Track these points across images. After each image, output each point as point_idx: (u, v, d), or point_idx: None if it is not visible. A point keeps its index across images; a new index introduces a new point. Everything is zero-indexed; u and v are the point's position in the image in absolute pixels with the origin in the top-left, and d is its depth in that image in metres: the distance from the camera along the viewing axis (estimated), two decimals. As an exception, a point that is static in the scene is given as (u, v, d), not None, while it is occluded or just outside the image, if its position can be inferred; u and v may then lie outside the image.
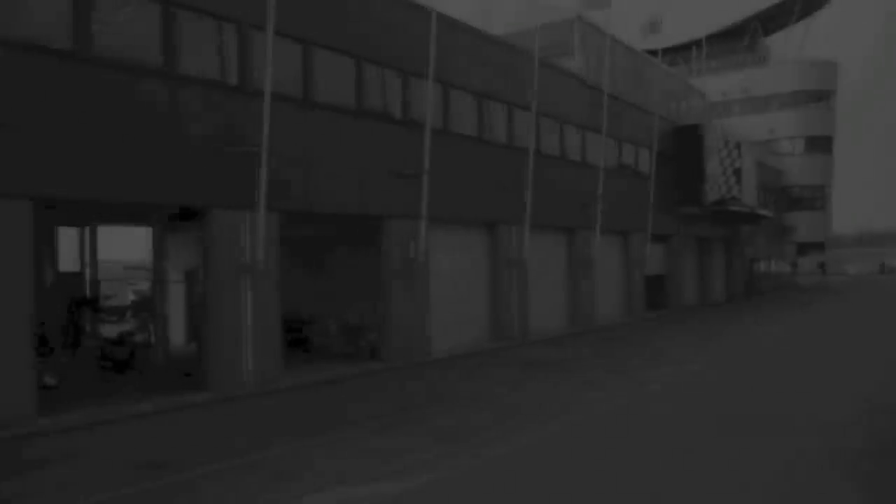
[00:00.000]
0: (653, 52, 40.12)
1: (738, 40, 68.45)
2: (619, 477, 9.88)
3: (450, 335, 22.94)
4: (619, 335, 27.95)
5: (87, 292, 24.02)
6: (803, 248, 65.16)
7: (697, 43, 62.22)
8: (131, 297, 33.19)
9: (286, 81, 17.68)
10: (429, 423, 13.28)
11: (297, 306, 21.11)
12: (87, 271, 24.38)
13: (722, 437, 11.99)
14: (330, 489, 9.49)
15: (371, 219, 20.51)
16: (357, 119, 19.75)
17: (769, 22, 69.81)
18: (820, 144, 63.55)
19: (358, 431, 12.73)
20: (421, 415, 14.07)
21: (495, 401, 15.44)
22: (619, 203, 32.36)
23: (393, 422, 13.45)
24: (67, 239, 26.18)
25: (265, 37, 16.34)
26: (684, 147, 39.41)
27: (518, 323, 25.94)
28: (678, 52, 62.83)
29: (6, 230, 12.90)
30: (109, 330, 23.44)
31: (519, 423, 13.03)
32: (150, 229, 21.74)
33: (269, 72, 16.36)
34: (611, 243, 32.85)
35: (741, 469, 10.12)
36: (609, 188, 31.00)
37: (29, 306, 13.39)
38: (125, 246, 29.72)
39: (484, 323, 25.05)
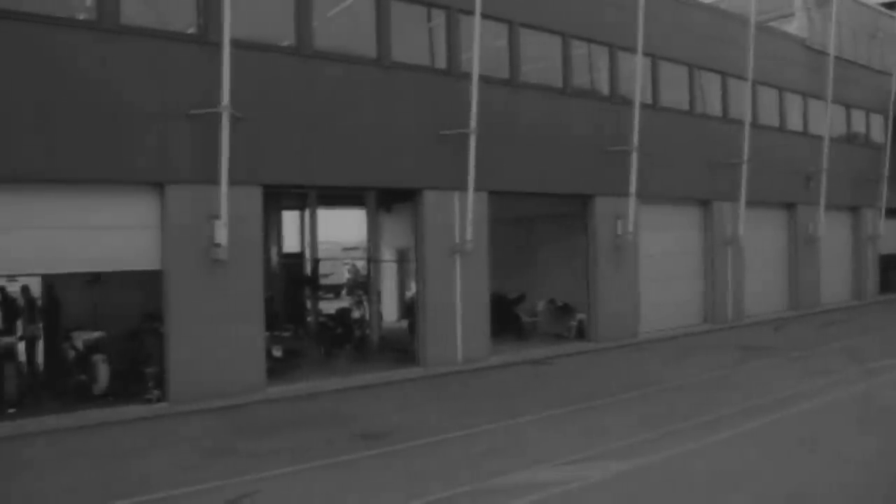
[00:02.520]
0: (889, 6, 36.17)
1: None
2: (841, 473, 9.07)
3: (659, 316, 22.17)
4: (848, 320, 25.72)
5: (308, 271, 25.56)
6: None
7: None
8: (347, 276, 35.11)
9: (492, 62, 17.77)
10: (638, 406, 12.93)
11: (505, 285, 21.27)
12: (308, 252, 25.94)
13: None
14: (542, 466, 9.48)
15: (578, 197, 20.26)
16: (564, 97, 19.52)
17: None
18: None
19: (567, 411, 12.62)
20: (630, 397, 13.72)
21: (707, 386, 14.74)
22: (847, 175, 29.63)
23: (601, 403, 13.23)
24: (290, 222, 28.05)
25: (472, 20, 16.52)
26: (932, 109, 35.16)
27: (732, 305, 24.58)
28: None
29: (243, 214, 14.01)
30: (328, 307, 24.85)
31: (734, 411, 12.28)
32: (364, 211, 22.75)
33: (477, 54, 16.55)
34: (837, 220, 30.22)
35: None
36: (835, 159, 28.42)
37: (261, 284, 14.52)
38: (342, 227, 31.35)
39: (695, 305, 23.97)
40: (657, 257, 22.26)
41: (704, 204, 23.98)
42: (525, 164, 18.51)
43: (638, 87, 20.24)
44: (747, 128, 23.95)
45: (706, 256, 24.09)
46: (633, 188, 20.28)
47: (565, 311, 21.58)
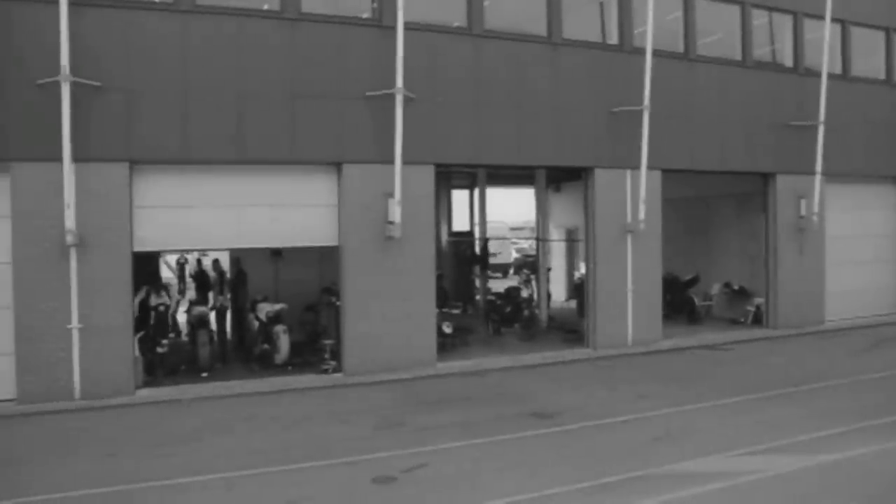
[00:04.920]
0: None
1: None
2: None
3: (847, 304, 20.62)
4: None
5: (477, 250, 25.85)
6: None
7: None
8: (515, 255, 35.28)
9: (666, 36, 17.13)
10: (821, 399, 12.14)
11: (678, 267, 20.57)
12: (477, 231, 26.22)
13: None
14: (716, 456, 9.14)
15: (757, 175, 19.20)
16: (742, 69, 18.51)
17: None
18: None
19: (743, 400, 12.05)
20: (812, 389, 12.89)
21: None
22: None
23: (781, 393, 12.53)
24: (459, 201, 28.42)
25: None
26: None
27: (935, 293, 22.45)
28: None
29: (416, 193, 14.37)
30: (496, 285, 25.04)
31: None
32: (533, 190, 22.69)
33: (651, 28, 16.03)
34: None
35: None
36: None
37: (432, 261, 14.88)
38: (510, 207, 31.46)
39: (891, 292, 22.05)
40: (846, 240, 20.70)
41: (902, 181, 22.06)
42: (700, 140, 17.76)
43: (825, 57, 18.81)
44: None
45: (903, 239, 22.14)
46: (818, 166, 18.95)
47: (742, 295, 20.57)
